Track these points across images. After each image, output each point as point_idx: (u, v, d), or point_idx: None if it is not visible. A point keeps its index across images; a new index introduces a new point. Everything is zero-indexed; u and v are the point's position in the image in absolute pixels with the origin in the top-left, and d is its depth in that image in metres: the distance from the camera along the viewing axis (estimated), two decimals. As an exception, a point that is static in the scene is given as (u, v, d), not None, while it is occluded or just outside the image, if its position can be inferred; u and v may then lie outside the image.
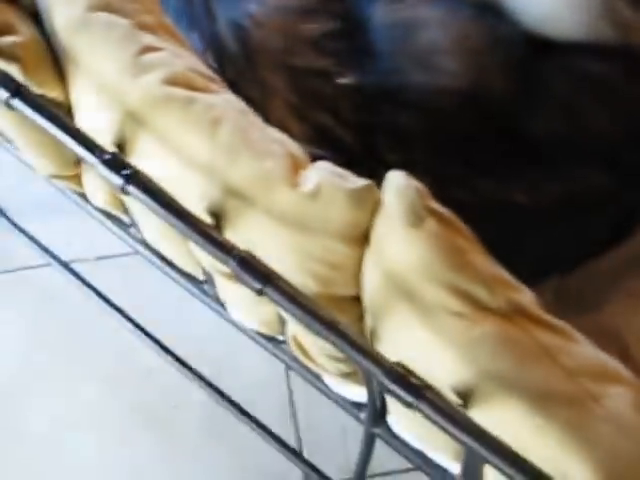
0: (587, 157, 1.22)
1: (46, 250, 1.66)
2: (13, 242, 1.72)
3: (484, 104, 1.19)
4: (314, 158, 1.04)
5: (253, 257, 0.86)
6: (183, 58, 1.05)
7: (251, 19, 1.21)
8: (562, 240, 1.26)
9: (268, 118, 1.13)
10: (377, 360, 0.83)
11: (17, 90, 0.95)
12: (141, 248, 1.28)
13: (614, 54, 1.25)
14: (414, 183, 0.93)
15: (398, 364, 0.82)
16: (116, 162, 0.87)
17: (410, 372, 0.82)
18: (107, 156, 0.88)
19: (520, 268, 1.22)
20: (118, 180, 0.87)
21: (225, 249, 0.87)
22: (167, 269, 1.25)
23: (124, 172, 0.87)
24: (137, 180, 0.87)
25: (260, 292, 0.85)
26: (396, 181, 0.94)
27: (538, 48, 1.25)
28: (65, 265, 1.65)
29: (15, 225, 1.69)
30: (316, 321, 0.84)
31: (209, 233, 0.87)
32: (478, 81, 1.20)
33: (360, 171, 1.09)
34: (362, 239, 0.95)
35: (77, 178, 1.28)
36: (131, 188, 0.87)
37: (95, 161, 0.88)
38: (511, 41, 1.25)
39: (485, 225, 1.19)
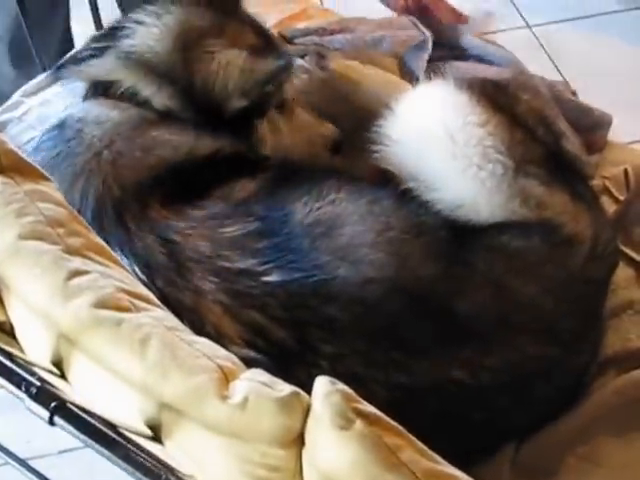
0: (521, 328, 1.31)
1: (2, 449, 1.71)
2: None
3: (411, 290, 1.29)
4: (250, 361, 1.13)
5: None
6: (112, 278, 1.14)
7: (177, 233, 1.32)
8: (510, 411, 1.33)
9: (204, 324, 1.25)
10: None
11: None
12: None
13: (532, 229, 1.37)
14: (340, 387, 1.02)
15: None
16: (43, 395, 0.95)
17: None
18: (34, 390, 0.96)
19: (470, 443, 1.30)
20: (45, 413, 0.96)
21: None
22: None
23: (52, 404, 0.95)
24: (64, 412, 0.95)
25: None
26: (323, 387, 1.02)
27: (460, 231, 1.36)
28: (23, 463, 1.70)
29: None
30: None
31: (141, 464, 0.95)
32: (403, 269, 1.30)
33: (298, 367, 1.19)
34: (297, 441, 1.02)
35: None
36: (58, 419, 0.96)
37: (23, 396, 0.96)
38: (433, 227, 1.37)
39: (427, 405, 1.27)
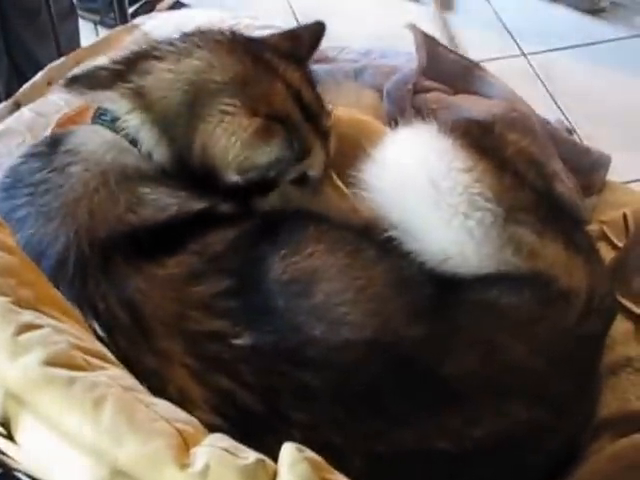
0: (510, 392, 1.27)
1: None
2: None
3: (391, 352, 1.24)
4: (215, 428, 1.09)
5: None
6: (65, 333, 1.10)
7: (141, 293, 1.27)
8: (500, 480, 1.30)
9: (166, 387, 1.20)
10: None
11: None
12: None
13: (523, 283, 1.33)
14: (309, 455, 0.98)
15: None
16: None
17: None
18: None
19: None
20: None
21: None
22: None
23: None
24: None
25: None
26: (290, 454, 0.98)
27: (446, 286, 1.33)
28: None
29: None
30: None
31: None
32: (383, 329, 1.26)
33: (267, 436, 1.15)
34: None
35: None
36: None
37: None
38: (417, 282, 1.33)
39: (408, 477, 1.24)
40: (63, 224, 1.33)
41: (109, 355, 1.14)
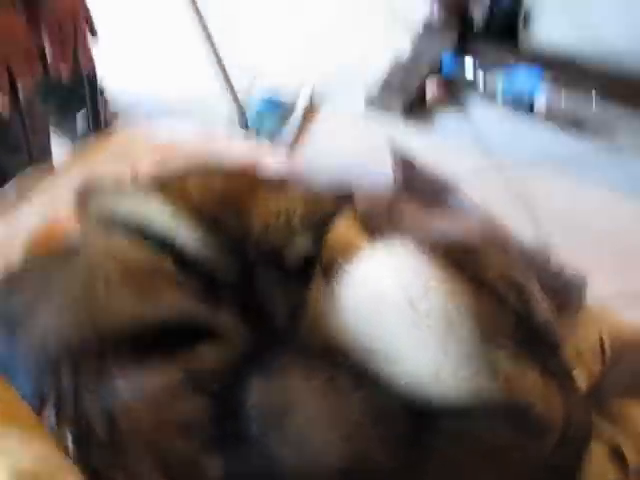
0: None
1: None
2: None
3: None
4: None
5: None
6: (31, 446, 1.10)
7: (121, 404, 1.26)
8: None
9: None
10: None
11: None
12: None
13: (498, 410, 1.33)
14: None
15: None
16: None
17: None
18: None
19: None
20: None
21: None
22: None
23: None
24: None
25: None
26: None
27: (421, 416, 1.32)
28: None
29: None
30: None
31: None
32: (359, 460, 1.25)
33: None
34: None
35: None
36: None
37: None
38: (392, 410, 1.32)
39: None
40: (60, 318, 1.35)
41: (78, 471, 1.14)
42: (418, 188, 1.94)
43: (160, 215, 1.48)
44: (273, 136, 3.54)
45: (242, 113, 3.50)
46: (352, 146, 3.36)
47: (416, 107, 3.67)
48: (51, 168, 2.08)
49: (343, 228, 1.66)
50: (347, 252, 1.53)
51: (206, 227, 1.47)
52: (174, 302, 1.39)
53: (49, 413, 1.26)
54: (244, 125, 3.53)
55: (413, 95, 3.67)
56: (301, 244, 1.47)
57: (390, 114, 3.63)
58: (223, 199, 1.50)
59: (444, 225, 1.78)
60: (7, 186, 2.01)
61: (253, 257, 1.46)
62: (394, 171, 1.99)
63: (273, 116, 3.62)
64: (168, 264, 1.43)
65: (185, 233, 1.46)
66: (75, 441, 1.24)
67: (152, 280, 1.40)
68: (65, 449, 1.21)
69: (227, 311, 1.41)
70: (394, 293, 1.40)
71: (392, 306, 1.39)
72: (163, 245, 1.45)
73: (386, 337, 1.38)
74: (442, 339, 1.35)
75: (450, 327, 1.36)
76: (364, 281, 1.45)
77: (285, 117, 3.62)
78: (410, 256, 1.45)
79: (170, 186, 1.52)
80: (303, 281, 1.47)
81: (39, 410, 1.24)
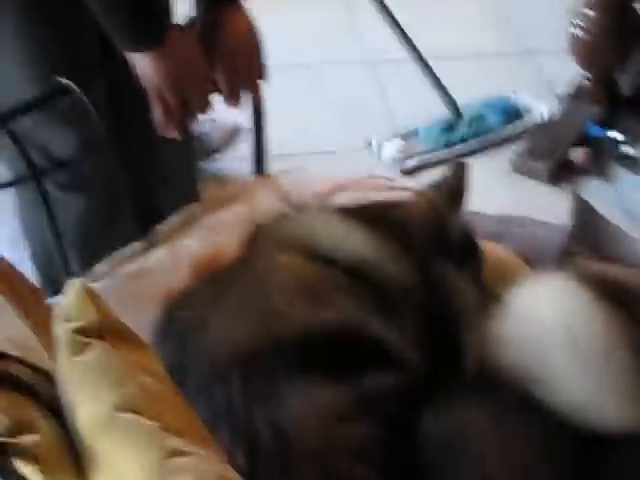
0: None
1: None
2: None
3: None
4: None
5: None
6: (211, 463, 1.13)
7: (292, 421, 1.28)
8: None
9: None
10: None
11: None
12: None
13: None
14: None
15: None
16: None
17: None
18: None
19: None
20: None
21: None
22: None
23: None
24: None
25: None
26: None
27: (587, 442, 1.33)
28: None
29: None
30: None
31: None
32: None
33: None
34: None
35: None
36: None
37: None
38: (561, 441, 1.33)
39: None
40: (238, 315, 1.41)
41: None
42: (595, 233, 1.96)
43: (335, 230, 1.54)
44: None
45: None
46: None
47: (561, 174, 3.68)
48: (212, 200, 2.13)
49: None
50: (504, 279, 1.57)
51: (375, 234, 1.53)
52: (347, 311, 1.43)
53: (222, 430, 1.30)
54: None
55: (558, 162, 3.69)
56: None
57: (535, 179, 3.66)
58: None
59: (610, 267, 1.80)
60: (170, 217, 2.06)
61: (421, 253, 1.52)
62: (573, 214, 2.02)
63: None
64: (341, 277, 1.48)
65: (355, 244, 1.52)
66: (246, 459, 1.27)
67: (327, 290, 1.44)
68: (237, 468, 1.24)
69: (402, 329, 1.44)
70: (555, 327, 1.42)
71: (553, 339, 1.42)
72: (334, 262, 1.50)
73: (547, 370, 1.40)
74: (603, 369, 1.38)
75: (609, 358, 1.38)
76: (527, 313, 1.48)
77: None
78: (572, 290, 1.47)
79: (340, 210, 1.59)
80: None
81: (212, 426, 1.28)
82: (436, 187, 1.74)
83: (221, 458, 1.20)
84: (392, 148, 3.73)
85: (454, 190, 1.72)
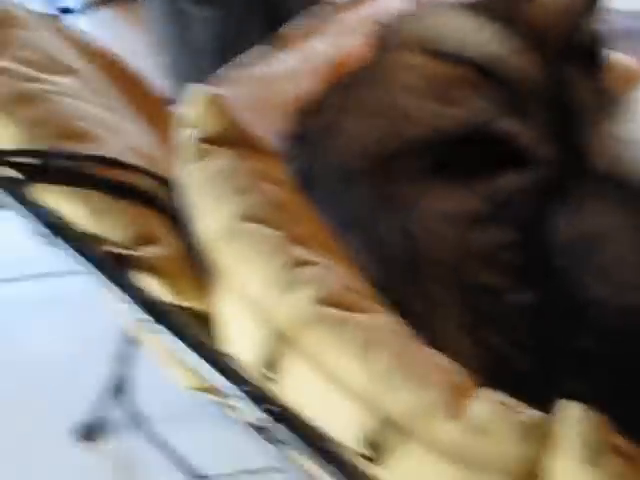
0: None
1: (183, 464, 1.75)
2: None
3: None
4: (481, 383, 1.07)
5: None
6: (337, 273, 1.12)
7: (421, 226, 1.23)
8: None
9: (434, 335, 1.16)
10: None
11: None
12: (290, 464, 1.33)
13: None
14: (592, 415, 0.97)
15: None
16: (261, 397, 0.95)
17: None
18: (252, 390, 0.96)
19: None
20: (263, 416, 0.95)
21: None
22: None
23: (269, 407, 0.94)
24: (284, 418, 0.94)
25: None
26: (572, 412, 0.97)
27: None
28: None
29: (153, 437, 1.79)
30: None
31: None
32: None
33: (533, 399, 1.11)
34: (532, 475, 0.98)
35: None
36: (278, 426, 0.95)
37: (240, 395, 0.95)
38: None
39: None
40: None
41: (379, 301, 1.14)
42: None
43: (463, 27, 1.48)
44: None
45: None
46: None
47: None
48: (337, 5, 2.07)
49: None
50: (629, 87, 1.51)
51: (504, 31, 1.46)
52: (478, 109, 1.36)
53: (351, 237, 1.28)
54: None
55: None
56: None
57: None
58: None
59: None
60: (296, 21, 2.02)
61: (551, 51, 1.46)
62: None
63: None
64: (470, 75, 1.42)
65: (484, 40, 1.46)
66: (376, 267, 1.23)
67: (455, 88, 1.37)
68: (367, 275, 1.23)
69: (532, 126, 1.38)
70: None
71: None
72: (462, 60, 1.44)
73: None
74: None
75: None
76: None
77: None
78: None
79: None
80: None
81: (341, 234, 1.26)
82: None
83: (349, 268, 1.19)
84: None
85: None
